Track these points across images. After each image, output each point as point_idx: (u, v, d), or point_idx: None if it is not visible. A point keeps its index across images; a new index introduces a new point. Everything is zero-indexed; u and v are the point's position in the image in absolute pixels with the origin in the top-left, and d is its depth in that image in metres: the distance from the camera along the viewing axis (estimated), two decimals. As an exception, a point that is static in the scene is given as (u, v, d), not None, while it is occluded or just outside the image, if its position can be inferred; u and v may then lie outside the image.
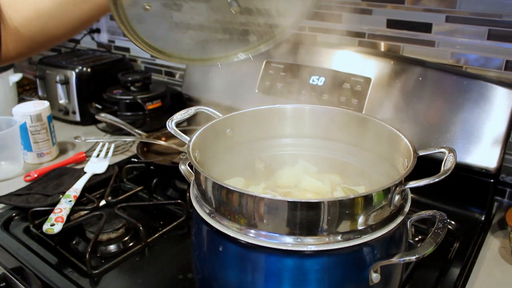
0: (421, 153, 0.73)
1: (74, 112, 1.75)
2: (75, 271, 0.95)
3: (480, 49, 1.16)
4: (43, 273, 0.94)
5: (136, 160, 1.36)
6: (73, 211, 1.11)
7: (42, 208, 1.11)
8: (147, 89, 1.70)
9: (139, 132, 1.49)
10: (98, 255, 1.01)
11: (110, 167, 1.34)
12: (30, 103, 1.46)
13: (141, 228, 1.03)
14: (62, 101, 1.76)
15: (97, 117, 1.55)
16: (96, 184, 1.26)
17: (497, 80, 1.10)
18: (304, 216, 0.61)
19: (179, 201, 1.14)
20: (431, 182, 0.64)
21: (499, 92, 1.06)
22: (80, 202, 1.18)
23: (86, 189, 1.22)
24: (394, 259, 0.66)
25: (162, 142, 1.40)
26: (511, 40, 1.11)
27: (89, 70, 1.75)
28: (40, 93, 1.86)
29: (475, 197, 1.13)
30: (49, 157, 1.48)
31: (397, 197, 0.66)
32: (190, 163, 0.73)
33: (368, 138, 0.88)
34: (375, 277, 0.66)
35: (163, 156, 1.39)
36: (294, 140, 0.95)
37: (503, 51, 1.13)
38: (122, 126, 1.51)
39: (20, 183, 1.31)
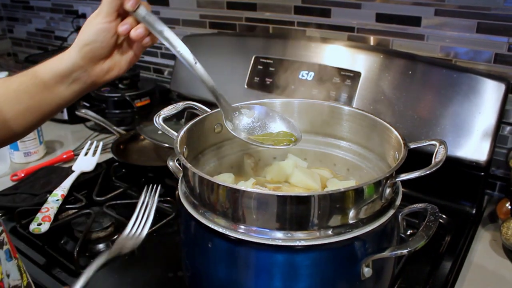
0: (412, 145, 0.73)
1: (61, 111, 1.73)
2: (64, 271, 0.93)
3: (469, 42, 1.16)
4: (30, 274, 0.92)
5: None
6: (60, 210, 1.10)
7: (29, 208, 1.09)
8: (136, 86, 1.69)
9: (118, 130, 1.48)
10: (86, 254, 0.99)
11: (98, 165, 1.32)
12: (16, 101, 1.44)
13: (130, 226, 1.01)
14: (49, 99, 1.73)
15: (77, 113, 1.53)
16: (84, 182, 1.25)
17: (486, 73, 1.10)
18: (294, 211, 0.61)
19: (168, 198, 1.13)
20: (422, 174, 0.63)
21: (489, 85, 1.06)
22: (68, 201, 1.16)
23: (74, 187, 1.20)
24: (386, 253, 0.65)
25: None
26: (500, 33, 1.11)
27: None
28: (26, 91, 1.83)
29: (466, 191, 1.13)
30: (36, 156, 1.46)
31: (388, 190, 0.65)
32: (178, 159, 0.72)
33: (359, 132, 0.88)
34: (366, 271, 0.66)
35: (141, 155, 1.38)
36: (283, 135, 0.95)
37: (492, 44, 1.13)
38: (102, 123, 1.50)
39: (6, 183, 1.29)
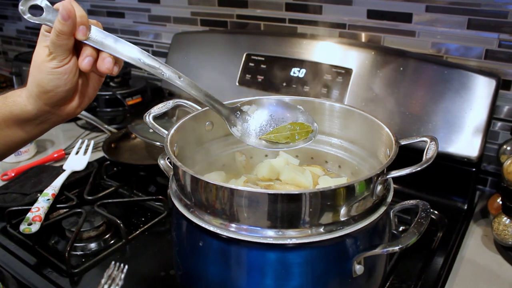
0: (403, 142, 0.73)
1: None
2: (55, 270, 0.93)
3: (460, 39, 1.16)
4: (21, 274, 0.92)
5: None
6: (51, 209, 1.09)
7: (19, 208, 1.09)
8: (127, 84, 1.68)
9: (109, 128, 1.47)
10: (78, 253, 0.98)
11: (89, 164, 1.31)
12: (5, 100, 1.43)
13: (121, 225, 1.01)
14: (40, 98, 1.72)
15: None
16: (75, 181, 1.24)
17: (477, 69, 1.11)
18: (286, 209, 0.60)
19: (160, 197, 1.13)
20: (413, 171, 0.63)
21: (480, 81, 1.07)
22: (59, 200, 1.15)
23: (65, 187, 1.19)
24: (378, 250, 0.65)
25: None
26: (491, 29, 1.11)
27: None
28: (16, 90, 1.82)
29: (458, 187, 1.13)
30: (27, 155, 1.45)
31: (379, 187, 0.65)
32: (169, 157, 0.71)
33: (350, 129, 0.88)
34: (358, 268, 0.66)
35: (132, 153, 1.38)
36: (275, 132, 0.94)
37: (483, 40, 1.13)
38: (93, 122, 1.49)
39: (-4, 183, 1.28)
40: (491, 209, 1.08)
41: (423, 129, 1.10)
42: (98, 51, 0.67)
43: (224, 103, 0.80)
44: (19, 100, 0.69)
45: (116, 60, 0.68)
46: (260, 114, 0.81)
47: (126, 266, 0.89)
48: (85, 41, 0.66)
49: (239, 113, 0.80)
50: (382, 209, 0.68)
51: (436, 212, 1.09)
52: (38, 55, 0.66)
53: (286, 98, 0.90)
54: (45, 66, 0.65)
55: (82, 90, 0.71)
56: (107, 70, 0.67)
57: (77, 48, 0.67)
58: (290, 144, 0.79)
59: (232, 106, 0.80)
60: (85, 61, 0.66)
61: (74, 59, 0.66)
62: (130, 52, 0.68)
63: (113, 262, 0.90)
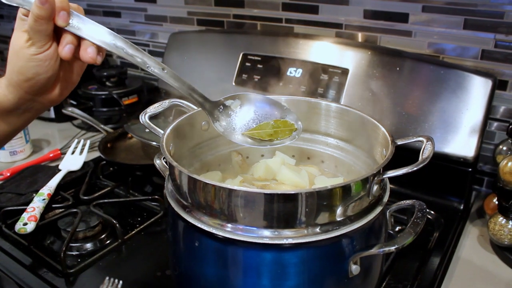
0: (399, 142, 0.73)
1: (48, 109, 1.71)
2: (50, 271, 0.92)
3: (456, 39, 1.16)
4: (16, 275, 0.91)
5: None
6: (47, 209, 1.08)
7: (15, 207, 1.08)
8: (123, 84, 1.67)
9: (105, 128, 1.47)
10: (73, 254, 0.98)
11: (85, 163, 1.31)
12: (1, 100, 1.42)
13: (117, 225, 1.00)
14: (36, 97, 1.71)
15: (64, 111, 1.51)
16: (71, 181, 1.23)
17: (473, 69, 1.11)
18: (282, 209, 0.60)
19: (156, 197, 1.12)
20: (410, 171, 0.63)
21: (476, 81, 1.07)
22: (54, 200, 1.15)
23: (60, 186, 1.18)
24: (374, 250, 0.65)
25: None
26: (487, 29, 1.11)
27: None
28: (12, 90, 1.81)
29: (454, 187, 1.13)
30: (22, 155, 1.44)
31: (375, 187, 0.65)
32: (165, 157, 0.71)
33: (346, 129, 0.88)
34: (354, 268, 0.65)
35: (129, 153, 1.37)
36: (271, 132, 0.94)
37: (479, 40, 1.13)
38: (89, 122, 1.49)
39: (-8, 182, 1.28)
40: (487, 209, 1.08)
41: (420, 129, 1.11)
42: (79, 38, 0.65)
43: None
44: None
45: (99, 48, 0.66)
46: (244, 110, 0.80)
47: (121, 282, 0.88)
48: (65, 28, 0.63)
49: (222, 108, 0.79)
50: (378, 209, 0.67)
51: (432, 212, 1.09)
52: (16, 41, 0.63)
53: (282, 98, 0.90)
54: (24, 53, 0.63)
55: (65, 77, 0.69)
56: (90, 59, 0.64)
57: (57, 33, 0.64)
58: (273, 141, 0.79)
59: (215, 100, 0.79)
60: (65, 49, 0.63)
61: (54, 45, 0.64)
62: (112, 41, 0.65)
63: (107, 278, 0.88)
